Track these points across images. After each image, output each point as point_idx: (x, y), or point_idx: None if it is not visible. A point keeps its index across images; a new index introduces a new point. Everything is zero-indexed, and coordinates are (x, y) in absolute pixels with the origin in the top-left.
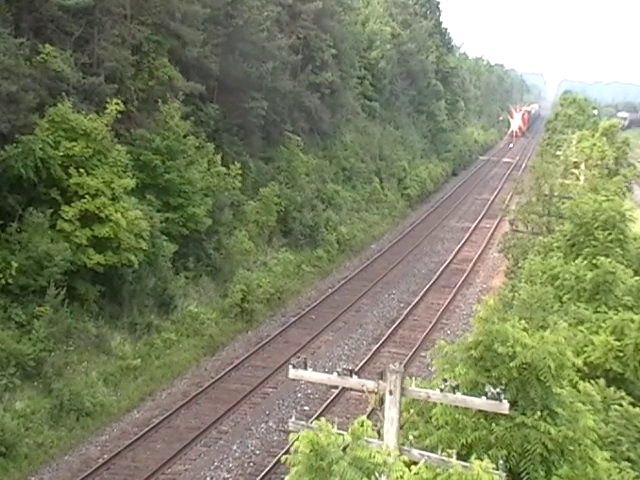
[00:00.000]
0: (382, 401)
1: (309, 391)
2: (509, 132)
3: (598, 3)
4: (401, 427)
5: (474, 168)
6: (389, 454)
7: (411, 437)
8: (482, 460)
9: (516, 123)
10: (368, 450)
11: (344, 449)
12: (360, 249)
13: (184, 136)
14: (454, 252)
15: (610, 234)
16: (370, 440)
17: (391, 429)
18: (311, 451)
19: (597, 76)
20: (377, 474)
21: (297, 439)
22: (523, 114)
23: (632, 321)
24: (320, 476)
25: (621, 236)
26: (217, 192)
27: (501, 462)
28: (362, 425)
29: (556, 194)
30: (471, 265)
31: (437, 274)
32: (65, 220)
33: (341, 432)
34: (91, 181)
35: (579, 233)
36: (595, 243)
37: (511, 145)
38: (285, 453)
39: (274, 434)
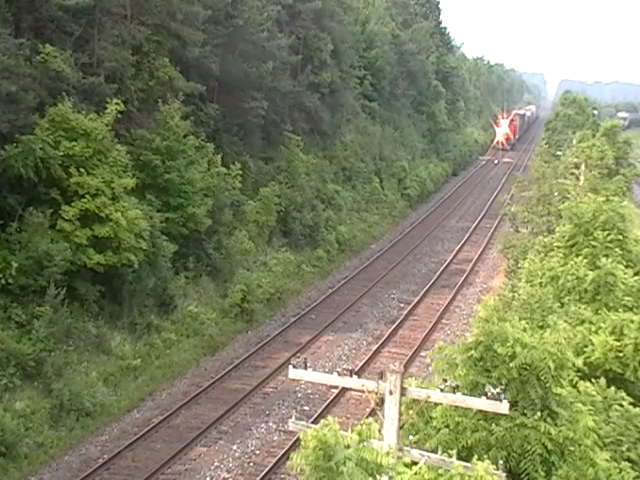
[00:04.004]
0: (382, 401)
1: (309, 391)
2: (493, 143)
3: (598, 3)
4: (401, 428)
5: (474, 168)
6: (391, 454)
7: (411, 438)
8: (482, 461)
9: (502, 132)
10: (373, 451)
11: (347, 447)
12: (360, 249)
13: (184, 136)
14: (454, 252)
15: (609, 234)
16: (370, 440)
17: (391, 429)
18: (320, 449)
19: (597, 76)
20: (378, 475)
21: (306, 438)
22: (512, 120)
23: (632, 321)
24: (329, 476)
25: (620, 237)
26: (217, 192)
27: (501, 462)
28: (369, 427)
29: (556, 194)
30: (471, 265)
31: (437, 274)
32: (65, 220)
33: (344, 433)
34: (91, 181)
35: (578, 233)
36: (594, 243)
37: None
38: (285, 453)
39: (274, 434)
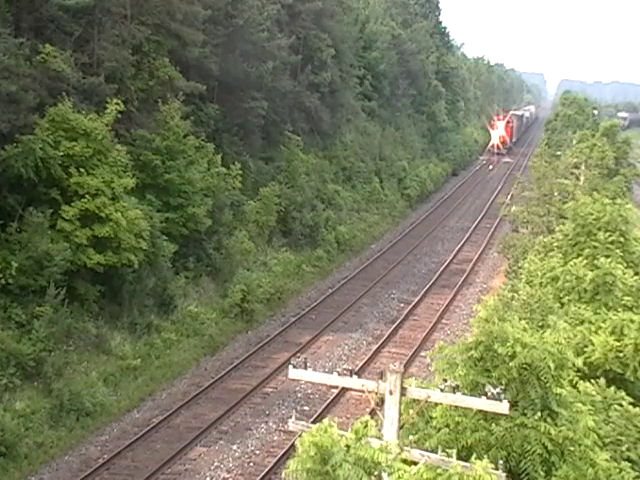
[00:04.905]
0: (382, 401)
1: (309, 391)
2: (488, 147)
3: (598, 3)
4: (401, 427)
5: (474, 168)
6: (390, 451)
7: (411, 437)
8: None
9: (498, 135)
10: (369, 449)
11: (346, 447)
12: (360, 249)
13: (184, 136)
14: (454, 252)
15: (611, 235)
16: (370, 440)
17: (391, 429)
18: (315, 454)
19: (597, 76)
20: (377, 473)
21: (302, 442)
22: (508, 122)
23: (632, 321)
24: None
25: (622, 238)
26: (217, 192)
27: (501, 462)
28: (366, 426)
29: (556, 194)
30: (471, 265)
31: (437, 274)
32: (65, 220)
33: (343, 432)
34: (91, 181)
35: (581, 233)
36: (596, 244)
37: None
38: (285, 453)
39: (274, 434)
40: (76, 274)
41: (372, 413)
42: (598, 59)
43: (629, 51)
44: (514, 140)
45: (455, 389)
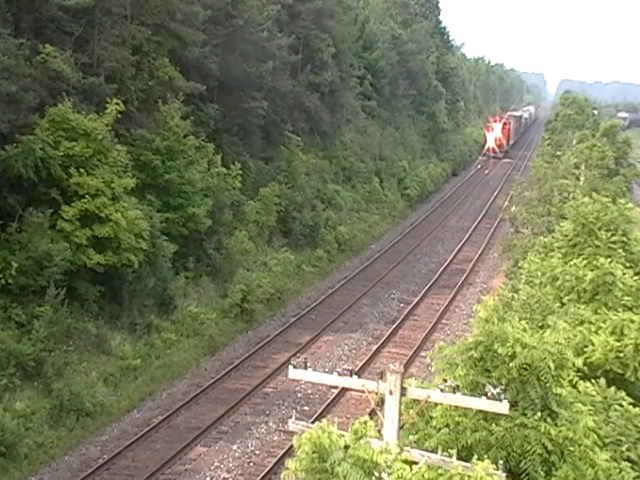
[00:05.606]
0: (382, 401)
1: (309, 391)
2: (484, 151)
3: (598, 3)
4: (401, 427)
5: (474, 168)
6: (390, 451)
7: (411, 437)
8: (482, 461)
9: (494, 137)
10: (369, 449)
11: (345, 447)
12: (360, 249)
13: (184, 136)
14: (454, 252)
15: (613, 235)
16: (370, 440)
17: (391, 429)
18: (314, 452)
19: (597, 76)
20: (377, 474)
21: (300, 442)
22: (504, 123)
23: (632, 321)
24: (324, 478)
25: (624, 238)
26: (217, 192)
27: (501, 462)
28: (365, 425)
29: (556, 194)
30: (471, 265)
31: (437, 274)
32: (65, 220)
33: (342, 432)
34: (91, 181)
35: (582, 232)
36: (597, 243)
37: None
38: (285, 453)
39: (274, 434)
40: (76, 274)
41: (372, 413)
42: (598, 59)
43: (629, 51)
44: (511, 143)
45: (455, 389)
